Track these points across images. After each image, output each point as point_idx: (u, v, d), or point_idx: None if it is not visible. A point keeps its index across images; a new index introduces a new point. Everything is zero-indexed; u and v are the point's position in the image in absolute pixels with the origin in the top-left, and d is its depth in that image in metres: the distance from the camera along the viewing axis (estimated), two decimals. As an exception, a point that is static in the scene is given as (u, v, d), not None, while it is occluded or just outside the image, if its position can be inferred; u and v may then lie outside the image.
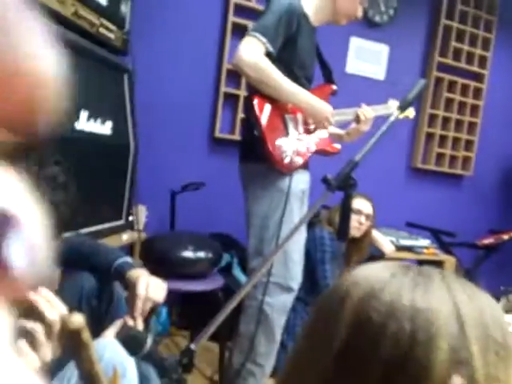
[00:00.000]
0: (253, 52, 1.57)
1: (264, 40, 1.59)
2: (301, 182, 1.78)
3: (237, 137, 2.78)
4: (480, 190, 3.63)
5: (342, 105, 1.90)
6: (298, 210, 1.74)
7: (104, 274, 1.25)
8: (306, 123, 1.81)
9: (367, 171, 3.09)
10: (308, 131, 1.83)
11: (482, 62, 3.46)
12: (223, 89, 2.73)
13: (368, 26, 3.10)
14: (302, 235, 1.80)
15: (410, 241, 2.82)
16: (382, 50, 3.18)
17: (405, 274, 0.46)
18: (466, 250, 3.17)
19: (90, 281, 1.25)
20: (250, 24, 2.71)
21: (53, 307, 0.72)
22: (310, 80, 1.85)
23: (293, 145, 1.74)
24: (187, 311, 2.50)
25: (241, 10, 2.74)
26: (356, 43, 3.09)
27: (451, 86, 3.39)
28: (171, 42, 2.65)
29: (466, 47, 3.37)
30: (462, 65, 3.38)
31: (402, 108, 1.49)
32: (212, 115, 2.78)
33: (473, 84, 3.44)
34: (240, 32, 2.74)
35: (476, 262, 3.20)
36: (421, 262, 2.93)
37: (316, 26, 1.82)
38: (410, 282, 0.45)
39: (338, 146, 1.96)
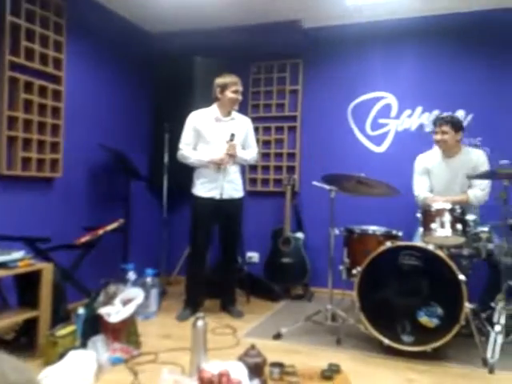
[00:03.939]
0: None
1: None
2: None
3: None
4: (71, 191, 3.74)
5: None
6: None
7: None
8: None
9: None
10: None
11: (57, 63, 3.49)
12: None
13: None
14: None
15: (2, 256, 2.59)
16: None
17: None
18: (65, 252, 3.22)
19: None
20: None
21: None
22: None
23: None
24: None
25: None
26: None
27: (28, 87, 3.27)
28: None
29: (38, 48, 3.32)
30: (37, 66, 3.32)
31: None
32: None
33: (51, 86, 3.44)
34: None
35: (75, 262, 3.30)
36: (18, 277, 2.76)
37: None
38: None
39: None
